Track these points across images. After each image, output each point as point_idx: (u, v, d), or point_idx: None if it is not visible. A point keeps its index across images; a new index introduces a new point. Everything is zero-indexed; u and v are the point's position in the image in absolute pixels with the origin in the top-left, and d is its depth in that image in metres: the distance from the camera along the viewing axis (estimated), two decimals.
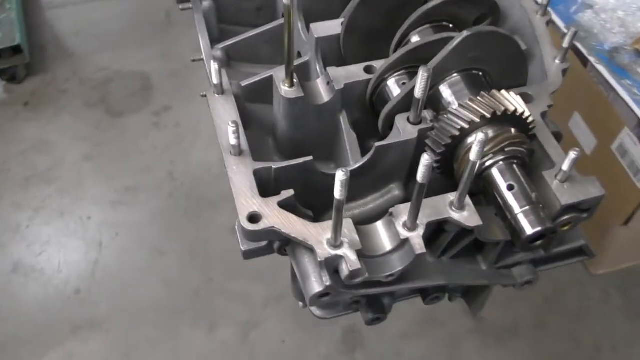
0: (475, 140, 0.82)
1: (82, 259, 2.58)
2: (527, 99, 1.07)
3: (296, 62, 1.20)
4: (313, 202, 1.02)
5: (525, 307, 2.45)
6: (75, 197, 2.74)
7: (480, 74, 1.06)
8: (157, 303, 2.46)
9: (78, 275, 2.54)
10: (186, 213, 2.66)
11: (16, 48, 2.95)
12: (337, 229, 0.87)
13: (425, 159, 0.80)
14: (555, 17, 2.40)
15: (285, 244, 1.00)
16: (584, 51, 2.25)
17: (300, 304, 1.21)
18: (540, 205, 0.94)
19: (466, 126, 0.95)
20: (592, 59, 2.21)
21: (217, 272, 2.51)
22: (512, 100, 0.97)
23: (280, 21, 1.29)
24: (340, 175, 0.78)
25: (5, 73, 3.06)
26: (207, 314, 2.43)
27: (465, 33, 0.98)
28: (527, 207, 0.93)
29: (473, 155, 0.84)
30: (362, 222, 0.97)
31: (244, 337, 2.38)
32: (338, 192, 0.80)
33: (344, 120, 1.11)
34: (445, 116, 0.98)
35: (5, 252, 2.61)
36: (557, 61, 1.14)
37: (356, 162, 1.05)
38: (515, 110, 0.97)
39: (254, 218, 0.93)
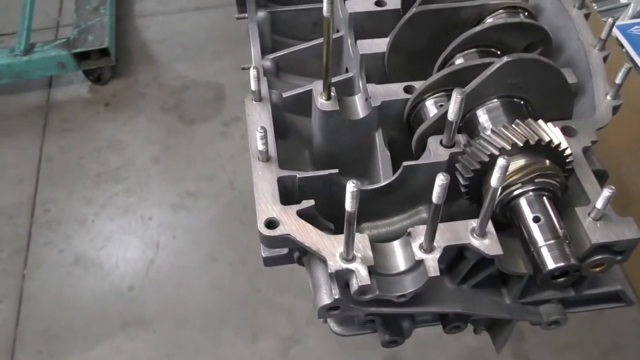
0: (497, 165, 0.80)
1: (139, 258, 2.66)
2: (570, 132, 1.03)
3: (340, 77, 1.21)
4: (337, 215, 1.02)
5: (579, 357, 2.33)
6: (139, 197, 2.83)
7: (522, 102, 1.03)
8: (205, 308, 2.51)
9: (133, 273, 2.62)
10: (241, 222, 2.70)
11: (104, 51, 3.10)
12: (348, 242, 0.86)
13: (440, 179, 0.79)
14: (637, 60, 2.31)
15: (303, 254, 1.00)
16: None
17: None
18: (567, 241, 0.89)
19: (496, 153, 0.93)
20: None
21: (264, 283, 2.53)
22: (549, 131, 0.94)
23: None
24: (350, 187, 0.77)
25: (92, 73, 3.21)
26: (251, 324, 2.45)
27: (505, 58, 0.96)
28: (551, 241, 0.89)
29: (494, 181, 0.81)
30: (386, 242, 0.96)
31: (285, 351, 2.38)
32: (348, 204, 0.79)
33: (379, 138, 1.11)
34: (477, 141, 0.96)
35: (70, 243, 2.72)
36: (608, 97, 1.09)
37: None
38: (551, 142, 0.93)
39: (271, 224, 0.94)
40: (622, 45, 2.36)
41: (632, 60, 2.30)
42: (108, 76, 3.26)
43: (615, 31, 2.40)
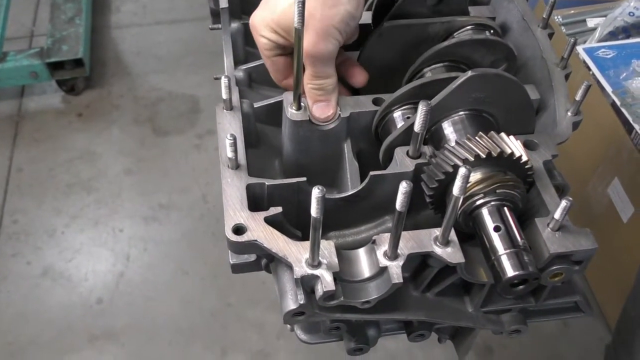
0: (458, 174, 0.82)
1: (108, 270, 2.65)
2: (531, 146, 1.06)
3: None
4: (304, 223, 1.03)
5: None
6: (111, 209, 2.82)
7: (486, 116, 1.06)
8: (174, 321, 2.49)
9: (103, 285, 2.60)
10: (214, 236, 2.70)
11: (78, 61, 3.11)
12: (314, 248, 0.88)
13: (404, 187, 0.80)
14: (603, 82, 2.37)
15: (270, 260, 1.01)
16: (630, 118, 2.21)
17: (288, 326, 1.21)
18: (526, 250, 0.92)
19: (460, 164, 0.95)
20: (637, 126, 2.17)
21: (235, 297, 2.53)
22: (510, 144, 0.97)
23: None
24: (316, 193, 0.79)
25: (65, 84, 3.21)
26: (221, 338, 2.44)
27: (469, 73, 0.99)
28: (511, 250, 0.91)
29: (456, 190, 0.83)
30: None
31: None
32: (314, 210, 0.81)
33: (347, 148, 1.12)
34: (442, 153, 0.98)
35: (39, 255, 2.70)
36: (569, 113, 1.13)
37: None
38: (512, 154, 0.96)
39: (239, 230, 0.95)
40: (589, 68, 2.42)
41: (598, 82, 2.36)
42: (82, 87, 3.25)
43: (583, 54, 2.47)
